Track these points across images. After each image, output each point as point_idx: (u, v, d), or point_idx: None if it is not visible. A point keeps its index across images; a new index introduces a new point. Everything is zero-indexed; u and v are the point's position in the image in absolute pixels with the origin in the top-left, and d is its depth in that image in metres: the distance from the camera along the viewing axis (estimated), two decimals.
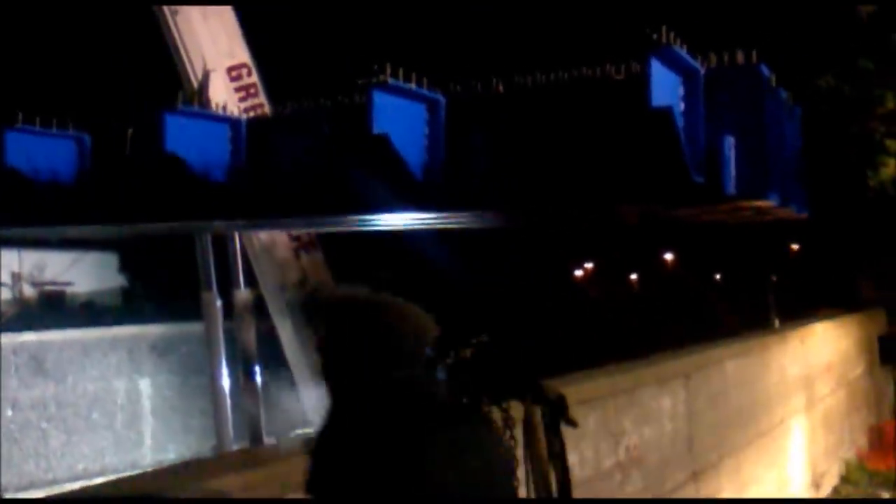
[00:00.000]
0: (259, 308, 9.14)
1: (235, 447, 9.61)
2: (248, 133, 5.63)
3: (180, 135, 5.19)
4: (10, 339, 12.22)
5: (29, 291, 13.87)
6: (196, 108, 5.95)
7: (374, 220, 5.88)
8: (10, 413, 11.94)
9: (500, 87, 4.90)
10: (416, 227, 5.95)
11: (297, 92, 6.48)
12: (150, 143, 5.40)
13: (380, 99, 4.80)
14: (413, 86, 4.91)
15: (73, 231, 7.29)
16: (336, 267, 8.84)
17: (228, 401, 9.41)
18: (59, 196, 6.07)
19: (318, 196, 5.66)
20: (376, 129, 4.80)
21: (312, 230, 7.77)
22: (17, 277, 13.64)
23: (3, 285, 13.94)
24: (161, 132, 5.19)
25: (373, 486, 1.91)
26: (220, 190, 5.79)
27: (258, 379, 9.48)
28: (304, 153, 5.61)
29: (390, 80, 4.84)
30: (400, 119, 4.89)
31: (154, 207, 6.20)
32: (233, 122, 5.63)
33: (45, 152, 5.69)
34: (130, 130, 5.85)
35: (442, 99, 5.03)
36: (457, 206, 5.21)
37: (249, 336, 9.37)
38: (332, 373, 2.12)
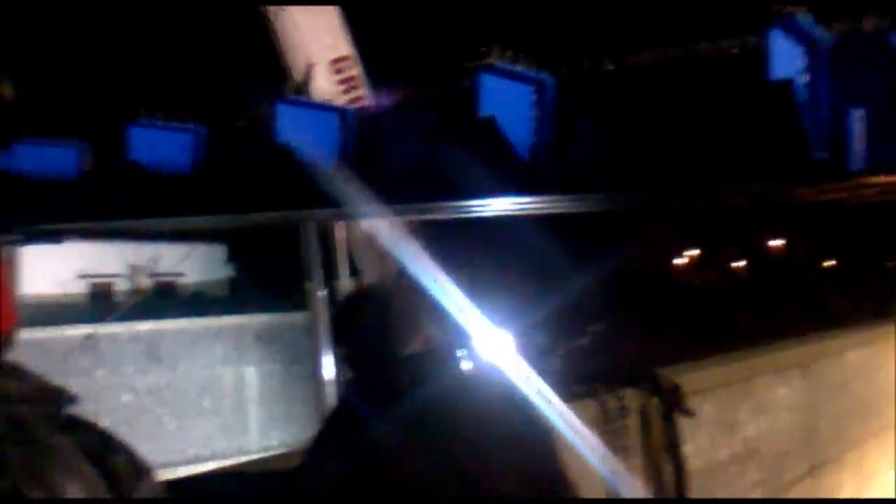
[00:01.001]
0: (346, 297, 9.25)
1: None
2: (355, 122, 5.68)
3: (291, 125, 5.28)
4: (127, 327, 12.78)
5: (144, 282, 14.47)
6: (305, 98, 6.05)
7: (479, 206, 5.86)
8: (127, 398, 12.49)
9: (610, 66, 4.79)
10: (522, 212, 5.89)
11: (400, 79, 6.52)
12: (261, 133, 5.52)
13: (487, 82, 4.76)
14: (520, 67, 4.85)
15: (184, 222, 7.53)
16: (438, 257, 8.88)
17: (331, 390, 9.59)
18: (174, 189, 6.28)
19: (422, 184, 5.68)
20: (483, 113, 4.76)
21: (416, 218, 7.81)
22: (133, 269, 14.25)
23: (121, 277, 14.60)
24: (272, 122, 5.29)
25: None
26: (326, 179, 5.87)
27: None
28: (410, 140, 5.63)
29: (497, 63, 4.80)
30: (507, 102, 4.85)
31: (262, 198, 6.34)
32: (342, 112, 5.70)
33: (164, 146, 5.90)
34: (242, 122, 6.00)
35: (550, 80, 4.95)
36: (564, 190, 5.12)
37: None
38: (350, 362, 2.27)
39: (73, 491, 1.18)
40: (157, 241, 14.13)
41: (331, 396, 9.86)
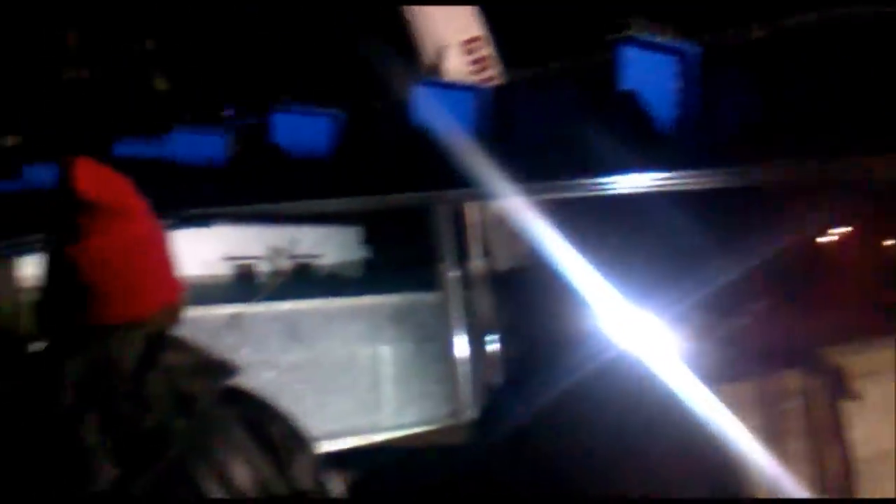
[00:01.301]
0: (494, 279, 9.27)
1: (470, 413, 9.87)
2: (490, 101, 5.65)
3: (427, 106, 5.31)
4: (269, 307, 13.28)
5: (284, 264, 15.03)
6: (440, 79, 6.07)
7: (618, 183, 5.72)
8: (270, 375, 12.99)
9: (760, 32, 4.55)
10: (665, 187, 5.71)
11: (535, 57, 6.45)
12: (397, 115, 5.58)
13: (628, 54, 4.62)
14: (662, 38, 4.68)
15: (323, 205, 7.74)
16: (571, 236, 8.76)
17: (464, 369, 9.68)
18: (314, 172, 6.45)
19: (558, 161, 5.59)
20: (624, 86, 4.63)
21: (551, 197, 7.71)
22: (274, 251, 14.81)
23: (262, 258, 15.21)
24: (409, 104, 5.34)
25: None
26: (460, 159, 5.88)
27: (492, 348, 9.66)
28: (546, 118, 5.55)
29: (637, 34, 4.65)
30: (649, 74, 4.69)
31: (396, 180, 6.43)
32: (477, 91, 5.68)
33: (304, 131, 6.06)
34: (379, 105, 6.09)
35: (693, 49, 4.75)
36: (710, 164, 4.93)
37: (484, 306, 9.55)
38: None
39: (234, 462, 1.20)
40: (295, 224, 14.63)
41: (463, 375, 9.95)
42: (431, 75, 7.31)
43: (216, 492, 1.18)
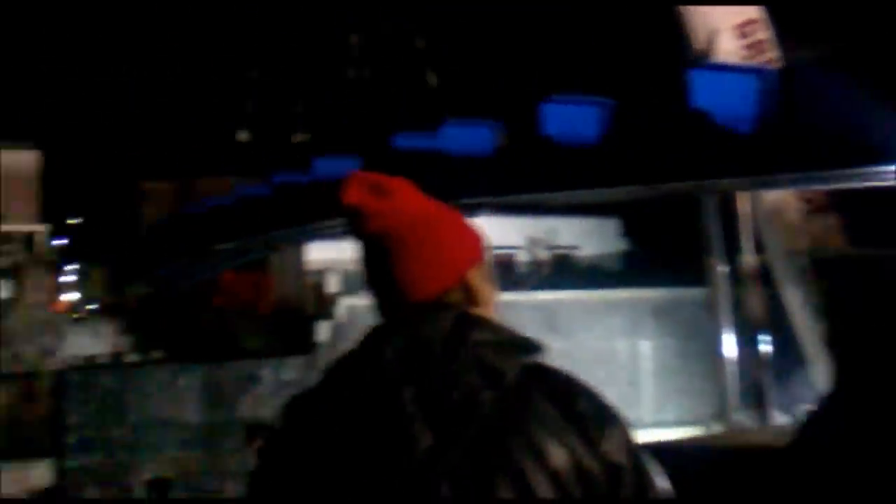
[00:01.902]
0: (767, 275, 8.73)
1: (738, 415, 9.37)
2: (775, 84, 5.30)
3: (706, 91, 5.09)
4: (527, 297, 13.53)
5: (542, 254, 15.19)
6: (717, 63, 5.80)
7: None
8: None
9: None
10: None
11: (819, 35, 5.96)
12: (672, 101, 5.40)
13: None
14: None
15: (590, 195, 7.69)
16: (854, 236, 8.03)
17: (732, 368, 9.19)
18: (581, 162, 6.43)
19: (850, 149, 5.13)
20: None
21: (837, 188, 7.11)
22: (532, 241, 15.03)
23: (520, 248, 15.49)
24: (685, 90, 5.15)
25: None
26: (736, 145, 5.58)
27: (764, 348, 9.08)
28: (837, 101, 5.11)
29: None
30: None
31: (665, 168, 6.24)
32: (760, 73, 5.35)
33: (574, 120, 6.07)
34: (652, 92, 5.94)
35: None
36: None
37: (756, 304, 9.01)
38: (836, 340, 1.78)
39: (548, 440, 1.20)
40: (554, 215, 14.73)
41: (731, 375, 9.47)
42: (702, 59, 7.01)
43: (531, 468, 1.19)
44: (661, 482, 1.28)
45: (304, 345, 16.66)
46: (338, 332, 17.49)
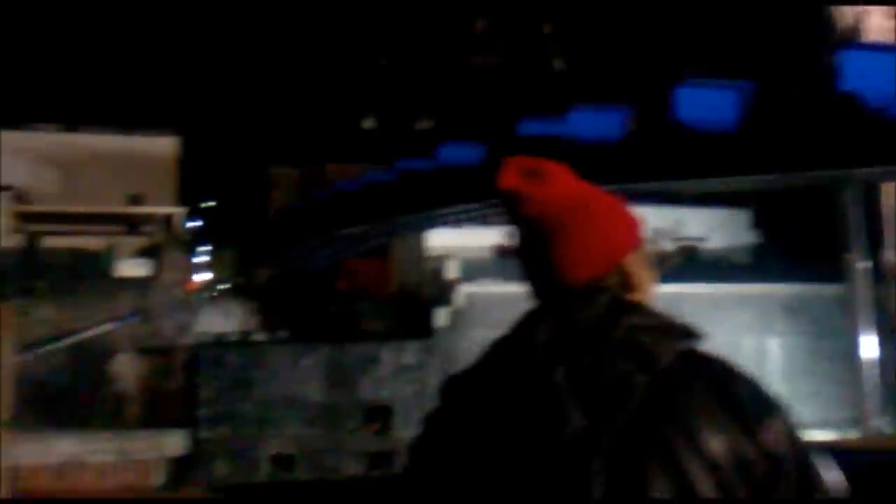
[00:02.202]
0: None
1: (877, 420, 8.86)
2: None
3: (859, 72, 4.79)
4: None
5: (667, 245, 14.82)
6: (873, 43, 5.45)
7: None
8: None
9: None
10: None
11: None
12: (818, 84, 5.12)
13: None
14: None
15: (725, 183, 7.43)
16: None
17: (871, 371, 8.69)
18: (717, 149, 6.20)
19: None
20: None
21: None
22: (656, 232, 14.68)
23: (647, 239, 15.13)
24: (832, 70, 4.87)
25: None
26: (888, 132, 5.23)
27: None
28: None
29: None
30: None
31: (804, 156, 5.93)
32: None
33: (710, 104, 5.85)
34: (796, 74, 5.65)
35: None
36: None
37: None
38: None
39: (696, 419, 1.18)
40: (682, 205, 14.30)
41: (869, 377, 8.95)
42: (849, 39, 6.62)
43: (687, 455, 1.17)
44: (833, 477, 1.22)
45: (423, 330, 16.91)
46: (456, 318, 17.64)
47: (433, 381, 17.11)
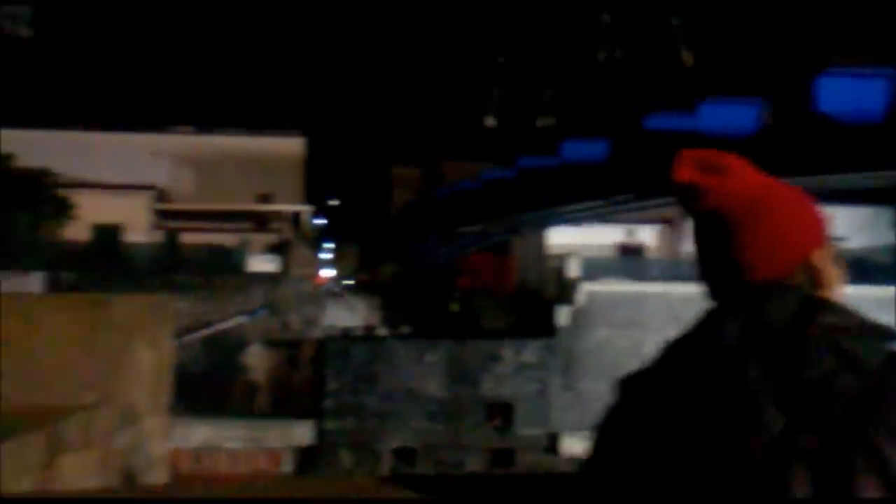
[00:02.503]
0: None
1: None
2: None
3: None
4: None
5: None
6: None
7: None
8: None
9: None
10: None
11: None
12: None
13: None
14: None
15: (866, 179, 7.01)
16: None
17: None
18: (863, 142, 5.86)
19: None
20: None
21: None
22: None
23: None
24: None
25: None
26: None
27: None
28: None
29: None
30: None
31: None
32: None
33: (855, 94, 5.53)
34: None
35: None
36: None
37: None
38: None
39: None
40: (820, 203, 13.61)
41: None
42: None
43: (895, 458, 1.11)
44: None
45: (544, 328, 16.79)
46: (577, 317, 17.45)
47: (555, 379, 17.04)
